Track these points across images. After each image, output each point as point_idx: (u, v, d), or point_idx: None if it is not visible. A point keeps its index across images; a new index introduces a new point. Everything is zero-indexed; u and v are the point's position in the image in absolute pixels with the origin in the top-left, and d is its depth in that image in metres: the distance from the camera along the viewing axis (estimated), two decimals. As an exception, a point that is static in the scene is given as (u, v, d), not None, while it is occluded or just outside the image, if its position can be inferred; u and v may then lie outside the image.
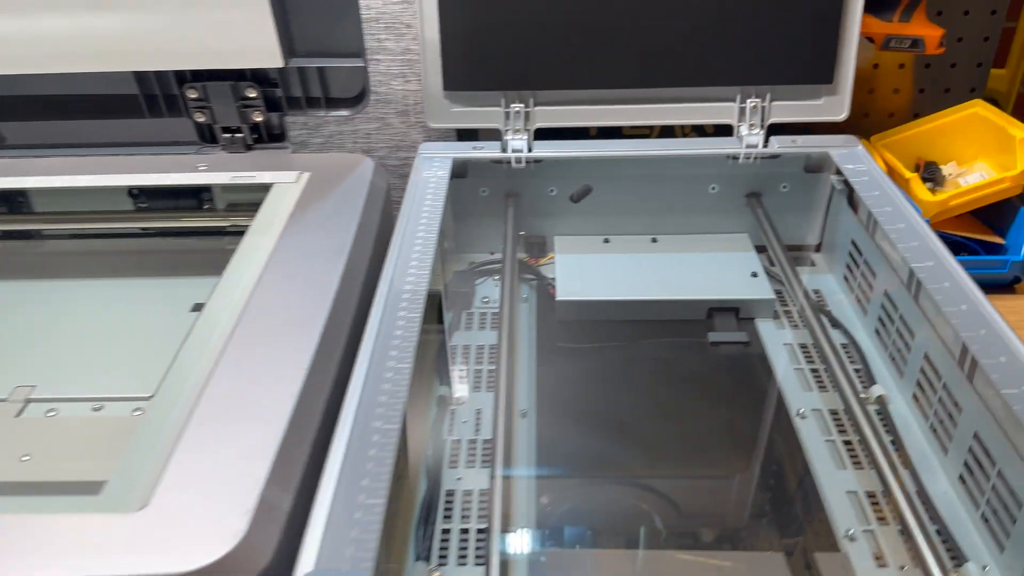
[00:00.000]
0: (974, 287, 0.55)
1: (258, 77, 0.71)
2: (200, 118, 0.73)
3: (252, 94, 0.71)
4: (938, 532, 0.52)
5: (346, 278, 0.55)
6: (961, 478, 0.53)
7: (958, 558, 0.50)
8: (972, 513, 0.52)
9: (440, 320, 0.73)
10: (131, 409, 0.59)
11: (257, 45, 0.67)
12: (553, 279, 0.76)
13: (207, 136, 0.74)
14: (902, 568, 0.50)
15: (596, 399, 0.66)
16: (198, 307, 0.67)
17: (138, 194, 0.74)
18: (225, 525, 0.38)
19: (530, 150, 0.77)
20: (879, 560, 0.51)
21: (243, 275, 0.56)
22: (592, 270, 0.76)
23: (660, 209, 0.81)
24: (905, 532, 0.51)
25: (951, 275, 0.56)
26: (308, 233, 0.60)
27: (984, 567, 0.49)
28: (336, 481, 0.41)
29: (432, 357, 0.67)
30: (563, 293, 0.73)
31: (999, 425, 0.48)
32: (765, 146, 0.76)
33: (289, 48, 0.69)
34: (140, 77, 0.71)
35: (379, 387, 0.48)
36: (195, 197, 0.74)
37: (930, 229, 0.61)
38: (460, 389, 0.65)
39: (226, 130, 0.73)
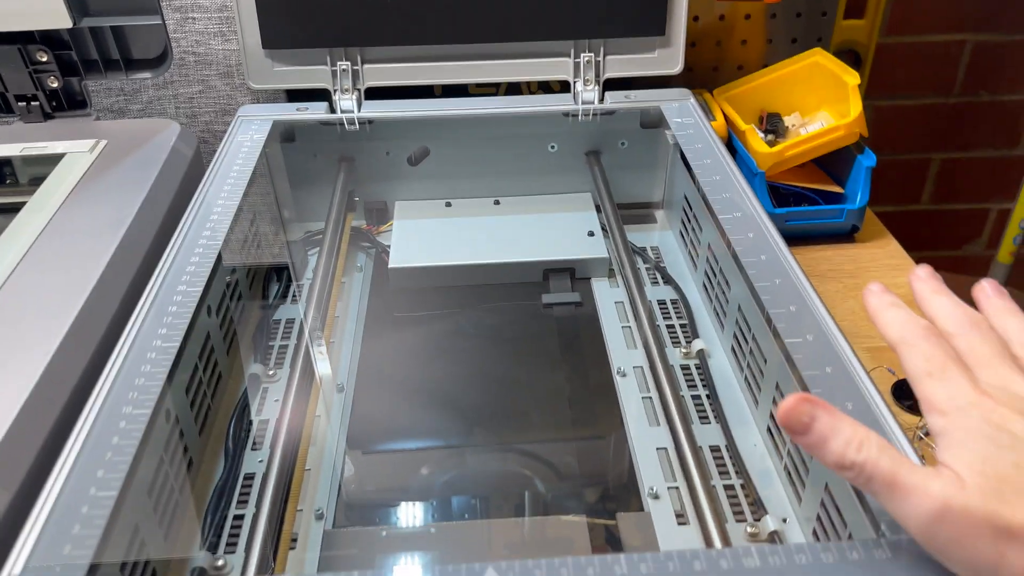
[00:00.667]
0: (777, 237, 0.54)
1: (49, 39, 0.65)
2: (-11, 86, 0.67)
3: (43, 58, 0.66)
4: (743, 485, 0.51)
5: (120, 255, 0.51)
6: (769, 430, 0.53)
7: (759, 511, 0.49)
8: (778, 465, 0.52)
9: (263, 297, 0.70)
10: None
11: (41, 5, 0.62)
12: (388, 246, 0.73)
13: (2, 105, 0.69)
14: (701, 524, 0.49)
15: (421, 369, 0.64)
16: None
17: (-72, 170, 0.68)
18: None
19: (359, 110, 0.74)
20: (680, 518, 0.50)
21: (7, 254, 0.52)
22: (429, 236, 0.74)
23: (503, 170, 0.79)
24: (707, 488, 0.50)
25: (757, 226, 0.55)
26: (89, 205, 0.56)
27: (784, 519, 0.49)
28: (67, 473, 0.38)
29: (248, 335, 0.64)
30: (396, 260, 0.70)
31: (792, 375, 0.47)
32: (601, 102, 0.74)
33: (80, 7, 0.64)
34: (-86, 43, 0.65)
35: (138, 368, 0.44)
36: (-6, 171, 0.69)
37: (746, 181, 0.60)
38: (273, 366, 0.62)
39: (20, 98, 0.68)
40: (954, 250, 1.41)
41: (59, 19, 0.62)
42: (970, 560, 0.30)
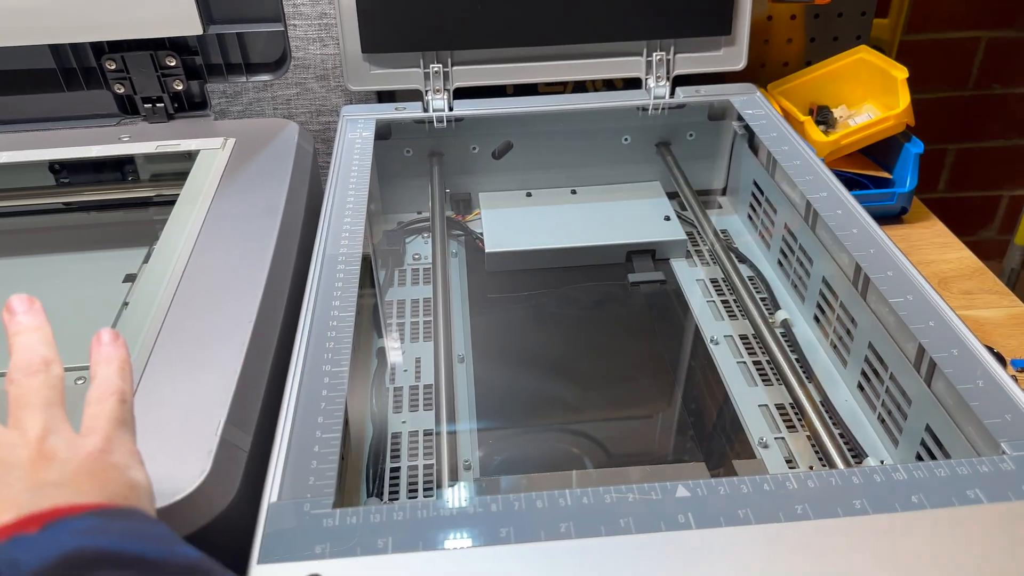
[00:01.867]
0: (864, 213, 0.61)
1: (177, 45, 0.71)
2: (120, 89, 0.72)
3: (172, 63, 0.71)
4: (841, 435, 0.58)
5: (283, 236, 0.57)
6: (859, 386, 0.59)
7: (859, 455, 0.56)
8: (870, 416, 0.58)
9: (372, 281, 0.75)
10: (74, 379, 0.60)
11: (175, 13, 0.67)
12: (481, 233, 0.79)
13: (127, 107, 0.74)
14: (811, 468, 0.56)
15: (528, 342, 0.70)
16: (130, 278, 0.68)
17: (60, 169, 0.74)
18: (190, 465, 0.40)
19: (451, 109, 0.80)
20: (790, 463, 0.56)
21: (180, 239, 0.57)
22: (517, 222, 0.80)
23: (578, 162, 0.85)
24: (812, 437, 0.56)
25: (843, 204, 0.62)
26: (240, 196, 0.61)
27: (881, 461, 0.55)
28: (292, 420, 0.44)
29: (368, 314, 0.70)
30: (491, 245, 0.76)
31: (889, 333, 0.54)
32: (671, 97, 0.81)
33: (207, 15, 0.70)
34: (56, 50, 0.70)
35: (325, 334, 0.50)
36: (118, 169, 0.74)
37: (824, 165, 0.67)
38: (399, 341, 0.68)
39: (146, 100, 0.73)
40: (969, 235, 1.49)
41: (191, 27, 0.68)
42: None
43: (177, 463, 0.40)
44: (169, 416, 0.43)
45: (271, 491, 0.40)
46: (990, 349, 0.67)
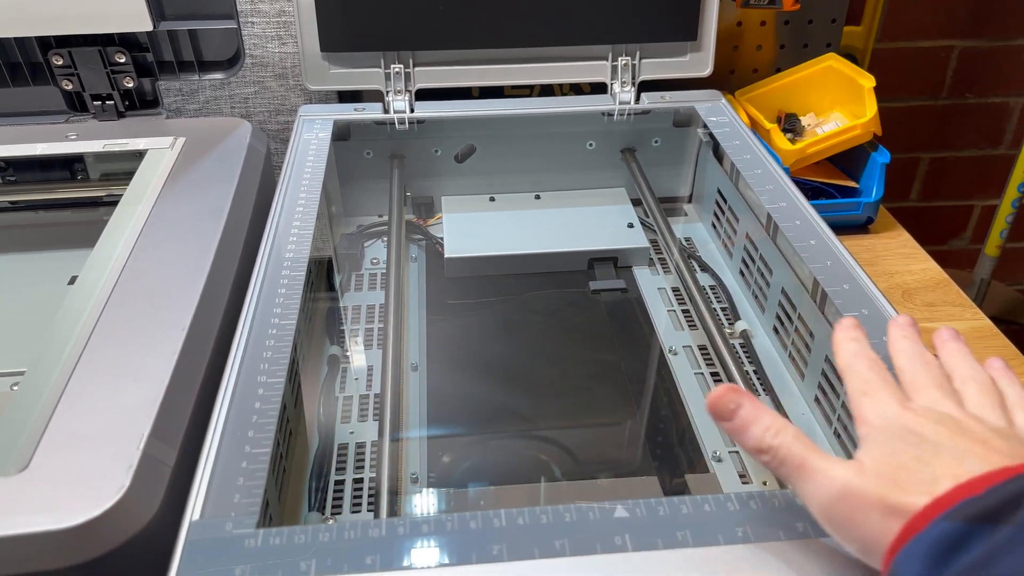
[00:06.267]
0: (823, 224, 0.60)
1: (127, 41, 0.69)
2: (68, 86, 0.70)
3: (121, 59, 0.69)
4: (796, 449, 0.56)
5: (225, 240, 0.55)
6: (816, 399, 0.58)
7: (813, 471, 0.54)
8: (827, 430, 0.57)
9: (331, 285, 0.74)
10: (10, 384, 0.58)
11: (124, 8, 0.65)
12: (441, 238, 0.77)
13: (76, 104, 0.72)
14: (764, 483, 0.55)
15: (485, 350, 0.68)
16: (75, 280, 0.66)
17: (5, 167, 0.71)
18: (107, 480, 0.38)
19: (412, 111, 0.78)
20: (743, 478, 0.55)
21: (118, 242, 0.55)
22: (479, 228, 0.78)
23: (542, 166, 0.84)
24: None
25: (802, 214, 0.61)
26: (185, 197, 0.60)
27: (835, 477, 0.54)
28: (221, 433, 0.42)
29: (322, 320, 0.68)
30: (451, 250, 0.75)
31: (844, 348, 0.53)
32: (637, 103, 0.79)
33: (158, 11, 0.68)
34: (0, 44, 0.68)
35: (263, 343, 0.48)
36: (67, 168, 0.72)
37: (785, 174, 0.66)
38: (350, 348, 0.66)
39: (96, 97, 0.71)
40: (940, 245, 1.49)
41: (140, 23, 0.66)
42: (861, 536, 0.33)
43: (95, 478, 0.38)
44: (91, 428, 0.41)
45: (193, 509, 0.38)
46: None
